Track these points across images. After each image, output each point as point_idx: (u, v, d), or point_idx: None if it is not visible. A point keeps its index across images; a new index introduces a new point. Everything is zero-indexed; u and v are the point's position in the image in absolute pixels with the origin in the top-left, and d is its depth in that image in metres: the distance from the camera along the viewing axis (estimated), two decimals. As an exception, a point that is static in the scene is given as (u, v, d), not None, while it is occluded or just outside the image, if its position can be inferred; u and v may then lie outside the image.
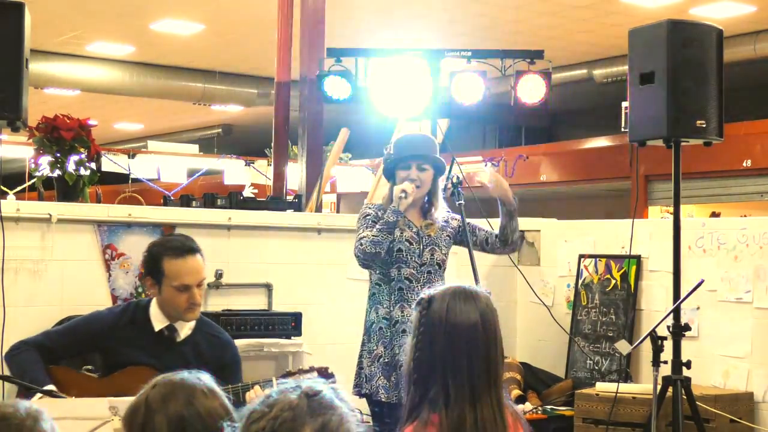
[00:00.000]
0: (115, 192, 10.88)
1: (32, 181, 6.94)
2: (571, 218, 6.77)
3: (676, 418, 4.48)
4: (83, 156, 5.30)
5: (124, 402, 3.11)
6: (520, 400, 5.79)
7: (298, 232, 5.77)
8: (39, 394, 3.62)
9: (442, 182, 4.60)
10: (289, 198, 6.37)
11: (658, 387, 4.50)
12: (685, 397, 4.54)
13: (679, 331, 4.61)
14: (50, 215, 4.94)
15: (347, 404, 1.87)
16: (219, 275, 5.43)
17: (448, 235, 4.55)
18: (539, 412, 5.73)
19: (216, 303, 5.43)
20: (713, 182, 12.03)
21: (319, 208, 6.39)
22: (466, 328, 2.49)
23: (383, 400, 4.35)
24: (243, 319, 5.23)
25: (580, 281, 6.19)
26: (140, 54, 14.26)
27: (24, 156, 7.21)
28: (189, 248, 3.89)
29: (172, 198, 6.07)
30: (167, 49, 13.90)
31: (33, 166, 5.34)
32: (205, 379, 2.24)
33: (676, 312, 4.64)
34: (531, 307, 6.32)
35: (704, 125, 4.64)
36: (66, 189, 5.30)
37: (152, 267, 3.91)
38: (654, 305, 5.79)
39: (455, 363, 2.47)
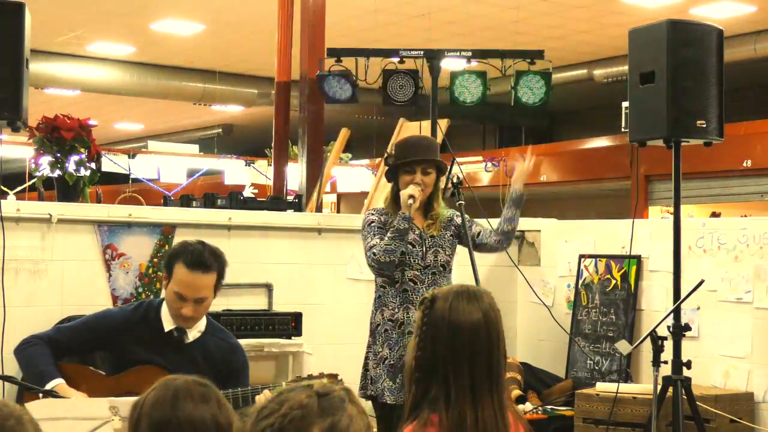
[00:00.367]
0: (116, 192, 10.88)
1: (32, 181, 6.94)
2: (572, 218, 6.77)
3: (677, 419, 4.48)
4: (83, 156, 5.30)
5: (125, 402, 3.11)
6: (521, 400, 5.78)
7: (298, 232, 5.77)
8: (43, 393, 3.62)
9: (442, 182, 4.60)
10: (290, 198, 6.37)
11: (659, 387, 4.50)
12: (685, 397, 4.54)
13: (679, 331, 4.60)
14: (50, 215, 4.94)
15: (359, 406, 1.87)
16: (219, 275, 5.42)
17: (452, 235, 4.54)
18: (539, 412, 5.73)
19: (216, 303, 5.38)
20: (713, 182, 12.03)
21: (319, 208, 6.40)
22: (469, 327, 2.49)
23: (388, 402, 4.34)
24: (243, 319, 5.23)
25: (580, 281, 6.19)
26: (140, 54, 14.27)
27: (24, 156, 7.21)
28: (203, 264, 3.84)
29: (172, 198, 6.07)
30: (167, 49, 13.90)
31: (33, 166, 5.35)
32: (203, 385, 2.23)
33: (677, 312, 4.63)
34: (531, 307, 6.32)
35: (704, 125, 4.64)
36: (66, 189, 5.30)
37: (168, 263, 3.93)
38: (654, 305, 5.79)
39: (457, 362, 2.47)
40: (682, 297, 4.65)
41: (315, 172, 6.77)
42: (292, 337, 5.36)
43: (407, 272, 4.42)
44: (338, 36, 8.61)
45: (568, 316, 6.19)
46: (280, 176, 7.16)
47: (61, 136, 5.25)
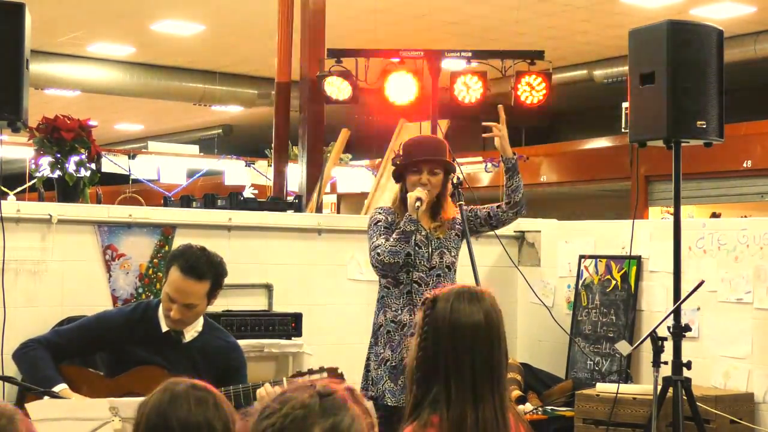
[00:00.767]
0: (116, 193, 10.87)
1: (33, 181, 6.93)
2: (572, 219, 6.77)
3: (677, 419, 4.48)
4: (83, 157, 5.30)
5: (125, 403, 3.12)
6: (521, 400, 5.78)
7: (298, 232, 5.77)
8: (43, 394, 3.62)
9: (449, 184, 4.57)
10: (290, 198, 6.37)
11: (659, 388, 4.50)
12: (685, 397, 4.54)
13: (679, 331, 4.60)
14: (50, 216, 4.94)
15: (362, 405, 1.87)
16: (219, 276, 5.42)
17: (456, 234, 4.54)
18: (539, 412, 5.73)
19: (216, 303, 5.37)
20: (713, 183, 12.03)
21: (319, 209, 6.40)
22: (470, 328, 2.49)
23: (390, 404, 4.34)
24: (243, 320, 5.23)
25: (580, 282, 6.19)
26: (141, 55, 14.26)
27: (24, 156, 7.21)
28: (196, 272, 3.83)
29: (172, 199, 6.07)
30: (168, 49, 13.90)
31: (33, 166, 5.34)
32: (201, 389, 2.23)
33: (677, 313, 4.63)
34: (531, 308, 6.32)
35: (704, 126, 4.64)
36: (66, 189, 5.30)
37: (166, 264, 3.96)
38: (654, 306, 5.79)
39: (458, 363, 2.47)
40: (683, 297, 4.65)
41: (315, 173, 6.77)
42: (292, 338, 5.36)
43: (412, 273, 4.41)
44: (338, 36, 8.60)
45: (568, 316, 6.19)
46: (280, 177, 7.15)
47: (61, 136, 5.25)
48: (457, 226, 4.55)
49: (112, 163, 10.63)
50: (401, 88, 5.96)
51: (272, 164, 7.53)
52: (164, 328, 3.94)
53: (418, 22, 11.97)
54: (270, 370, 5.45)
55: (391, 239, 4.32)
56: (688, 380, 4.58)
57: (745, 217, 7.35)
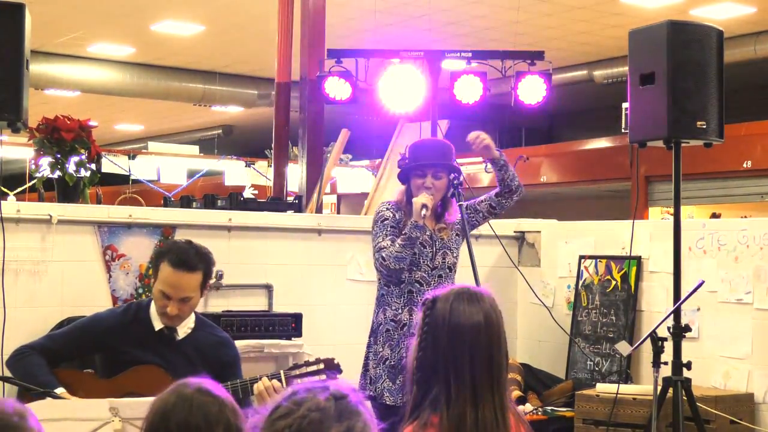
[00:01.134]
0: (116, 193, 10.89)
1: (33, 182, 6.94)
2: (572, 219, 6.77)
3: (677, 419, 4.48)
4: (83, 157, 5.30)
5: (125, 403, 3.12)
6: (521, 401, 5.78)
7: (298, 233, 5.77)
8: (43, 394, 3.62)
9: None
10: (290, 199, 6.37)
11: (659, 388, 4.50)
12: (685, 398, 4.54)
13: (679, 332, 4.60)
14: (50, 216, 4.94)
15: (369, 410, 1.88)
16: (219, 276, 5.43)
17: (457, 234, 4.55)
18: (540, 413, 5.73)
19: (216, 304, 5.43)
20: (713, 183, 12.03)
21: (319, 209, 6.39)
22: (469, 328, 2.49)
23: (388, 403, 4.34)
24: (243, 320, 5.23)
25: (580, 282, 6.19)
26: (141, 55, 14.27)
27: (24, 157, 7.22)
28: (188, 264, 3.85)
29: (172, 199, 6.07)
30: (167, 50, 13.91)
31: (33, 167, 5.34)
32: (206, 393, 2.23)
33: (677, 313, 4.64)
34: (531, 308, 6.32)
35: (704, 126, 4.64)
36: (66, 190, 5.30)
37: (154, 262, 3.98)
38: (654, 306, 5.79)
39: (457, 363, 2.47)
40: (682, 298, 4.65)
41: (315, 173, 6.76)
42: (292, 338, 5.36)
43: (415, 273, 4.42)
44: (338, 37, 8.61)
45: (568, 317, 6.19)
46: (280, 177, 7.15)
47: (61, 137, 5.25)
48: (456, 226, 4.55)
49: (112, 164, 10.65)
50: (399, 88, 5.95)
51: (272, 164, 7.52)
52: (157, 327, 3.94)
53: (418, 22, 11.98)
54: (270, 370, 5.42)
55: (397, 245, 4.32)
56: (688, 380, 4.58)
57: (745, 217, 7.34)
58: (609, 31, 12.34)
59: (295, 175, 7.09)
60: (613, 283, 6.00)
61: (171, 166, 11.72)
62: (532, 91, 5.94)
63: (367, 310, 4.59)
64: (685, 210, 10.19)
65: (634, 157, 11.08)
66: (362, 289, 5.66)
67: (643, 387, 5.33)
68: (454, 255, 4.53)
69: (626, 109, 4.97)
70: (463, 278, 4.82)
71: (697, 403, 4.62)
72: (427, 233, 4.45)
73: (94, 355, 4.15)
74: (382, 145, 7.20)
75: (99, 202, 6.11)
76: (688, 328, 4.64)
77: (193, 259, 3.88)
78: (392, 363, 4.37)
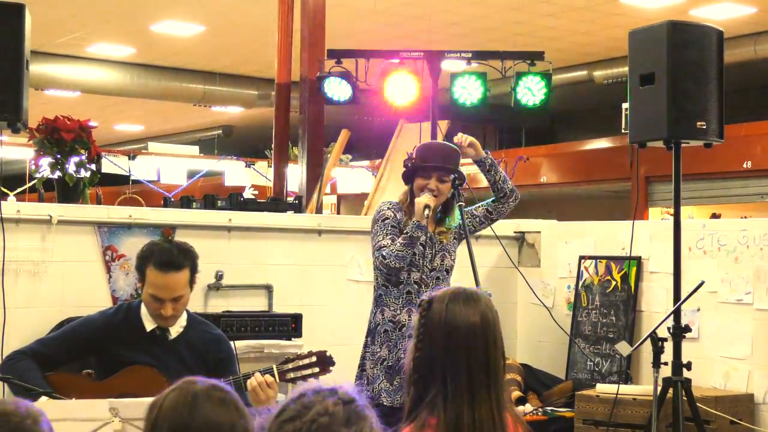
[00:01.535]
0: (116, 193, 10.87)
1: (33, 182, 6.94)
2: (572, 219, 6.77)
3: (677, 420, 4.48)
4: (83, 157, 5.30)
5: (125, 403, 3.12)
6: (521, 401, 5.78)
7: (298, 233, 5.77)
8: (43, 397, 3.60)
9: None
10: (290, 199, 6.37)
11: (659, 388, 4.50)
12: (685, 398, 4.54)
13: (679, 332, 4.60)
14: (50, 216, 4.94)
15: (374, 414, 1.90)
16: (219, 276, 5.43)
17: (455, 238, 4.55)
18: (540, 413, 5.73)
19: (216, 304, 5.43)
20: (713, 183, 12.02)
21: (319, 210, 6.40)
22: (465, 329, 2.50)
23: (385, 403, 4.33)
24: (243, 321, 5.23)
25: (580, 283, 6.19)
26: (141, 55, 14.27)
27: (24, 157, 7.21)
28: (173, 264, 3.84)
29: (172, 199, 6.07)
30: (168, 50, 13.91)
31: (33, 167, 5.35)
32: (221, 390, 2.22)
33: (677, 313, 4.64)
34: (531, 309, 6.32)
35: (704, 126, 4.64)
36: (66, 190, 5.30)
37: (139, 267, 3.94)
38: (654, 306, 5.79)
39: (454, 364, 2.48)
40: (683, 298, 4.65)
41: (315, 174, 6.76)
42: (292, 339, 5.36)
43: (413, 274, 4.42)
44: (338, 37, 8.60)
45: (568, 317, 6.19)
46: (280, 177, 7.15)
47: (61, 137, 5.25)
48: (455, 229, 4.56)
49: (112, 164, 10.65)
50: (401, 88, 5.96)
51: (272, 165, 7.53)
52: (149, 327, 3.93)
53: (418, 22, 11.98)
54: (270, 370, 5.45)
55: (398, 243, 4.32)
56: (688, 381, 4.58)
57: (745, 217, 7.34)
58: (609, 31, 12.34)
59: (295, 176, 7.09)
60: (613, 283, 6.00)
61: (171, 166, 11.72)
62: (532, 91, 5.94)
63: (367, 311, 4.59)
64: (685, 210, 10.18)
65: (634, 158, 11.09)
66: (362, 290, 5.66)
67: (643, 387, 5.33)
68: (452, 257, 4.54)
69: (626, 109, 4.97)
70: (463, 279, 4.82)
71: (697, 404, 4.62)
72: (428, 235, 4.45)
73: (88, 358, 4.13)
74: (382, 146, 7.20)
75: (99, 202, 6.11)
76: (688, 329, 4.64)
77: (177, 258, 3.87)
78: (389, 364, 4.37)
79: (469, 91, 5.91)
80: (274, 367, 3.76)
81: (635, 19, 10.39)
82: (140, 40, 13.41)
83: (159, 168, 11.44)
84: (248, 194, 6.50)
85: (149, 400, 2.24)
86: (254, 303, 5.58)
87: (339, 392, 1.85)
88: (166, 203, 5.88)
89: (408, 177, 4.51)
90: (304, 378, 3.75)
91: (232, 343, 4.16)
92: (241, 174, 11.62)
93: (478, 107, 5.94)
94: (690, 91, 4.62)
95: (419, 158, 4.48)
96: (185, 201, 5.77)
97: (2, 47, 4.13)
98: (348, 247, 5.88)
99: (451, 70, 6.08)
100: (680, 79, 4.61)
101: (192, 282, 3.94)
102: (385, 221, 4.45)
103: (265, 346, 5.23)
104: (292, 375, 3.76)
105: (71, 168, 5.26)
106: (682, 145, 4.77)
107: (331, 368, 3.79)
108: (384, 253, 4.32)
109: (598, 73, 13.93)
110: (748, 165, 11.60)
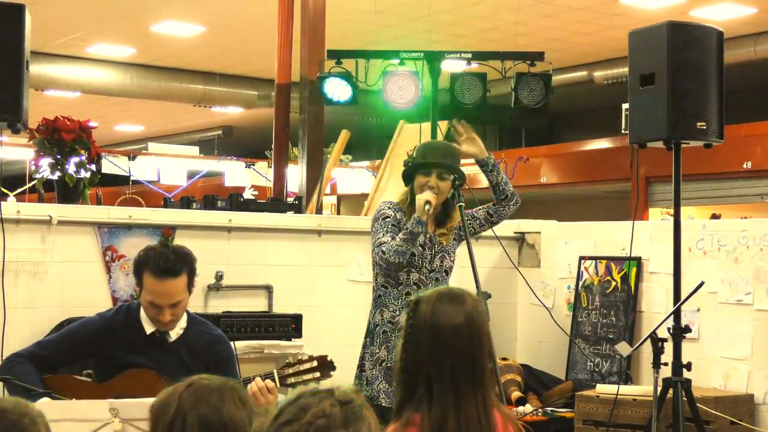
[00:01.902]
0: (116, 194, 10.88)
1: (33, 182, 6.94)
2: (572, 220, 6.77)
3: (677, 420, 4.48)
4: (83, 158, 5.30)
5: (125, 403, 3.11)
6: (521, 401, 5.78)
7: (298, 233, 5.78)
8: (45, 398, 3.59)
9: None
10: (290, 200, 6.37)
11: (659, 389, 4.50)
12: (685, 398, 4.54)
13: (679, 332, 4.60)
14: (50, 217, 4.94)
15: (373, 414, 1.90)
16: (219, 277, 5.43)
17: (455, 239, 4.55)
18: (539, 413, 5.73)
19: (216, 305, 5.43)
20: (713, 184, 12.02)
21: (319, 210, 6.40)
22: (451, 329, 2.53)
23: (384, 404, 4.33)
24: (243, 321, 5.23)
25: (580, 283, 6.19)
26: (141, 56, 14.27)
27: (24, 158, 7.22)
28: (169, 270, 3.77)
29: (172, 200, 6.07)
30: (168, 50, 13.91)
31: (33, 167, 5.35)
32: (236, 388, 2.22)
33: (677, 314, 4.64)
34: (531, 309, 6.32)
35: (704, 127, 4.64)
36: (66, 191, 5.30)
37: (136, 272, 3.90)
38: (654, 307, 5.79)
39: (439, 364, 2.51)
40: (683, 299, 4.65)
41: (315, 174, 6.77)
42: (292, 339, 5.36)
43: (413, 275, 4.42)
44: (338, 38, 8.61)
45: (568, 317, 6.19)
46: (280, 178, 7.16)
47: (61, 137, 5.25)
48: (455, 230, 4.55)
49: (112, 165, 10.65)
50: (401, 88, 5.96)
51: (272, 165, 7.53)
52: (148, 330, 3.90)
53: (418, 23, 11.98)
54: (269, 371, 5.45)
55: (398, 239, 4.32)
56: (688, 381, 4.58)
57: (745, 218, 7.34)
58: (609, 31, 12.34)
59: (295, 176, 7.10)
60: (613, 283, 6.00)
61: (171, 166, 11.71)
62: (532, 91, 5.94)
63: (367, 311, 4.59)
64: (685, 211, 10.18)
65: (634, 158, 11.07)
66: (362, 290, 5.65)
67: (643, 388, 5.33)
68: (452, 259, 4.54)
69: (626, 109, 4.97)
70: (463, 279, 4.82)
71: (697, 404, 4.62)
72: (427, 236, 4.45)
73: (87, 360, 4.12)
74: (382, 146, 7.20)
75: (99, 202, 6.11)
76: (688, 329, 4.64)
77: (174, 264, 3.80)
78: (388, 365, 4.36)
79: (469, 92, 5.91)
80: (275, 371, 3.75)
81: (635, 20, 10.39)
82: (140, 40, 13.41)
83: (159, 168, 11.44)
84: (248, 195, 6.50)
85: (150, 400, 2.23)
86: (254, 303, 5.58)
87: (336, 393, 1.85)
88: (166, 204, 5.89)
89: (408, 176, 4.51)
90: (305, 383, 3.74)
91: (232, 343, 4.15)
92: (241, 174, 11.62)
93: (478, 107, 5.94)
94: (690, 92, 4.62)
95: (419, 156, 4.48)
96: (185, 201, 5.77)
97: (2, 47, 4.13)
98: (348, 247, 5.88)
99: (451, 70, 6.08)
100: (680, 79, 4.61)
101: (190, 286, 3.89)
102: (386, 219, 4.45)
103: (265, 347, 5.23)
104: (293, 380, 3.75)
105: (71, 168, 5.26)
106: (682, 145, 4.77)
107: (332, 373, 3.79)
108: (384, 249, 4.32)
109: (598, 74, 13.93)
110: (748, 165, 11.59)
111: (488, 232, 4.80)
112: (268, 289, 5.63)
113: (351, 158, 11.45)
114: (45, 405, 3.43)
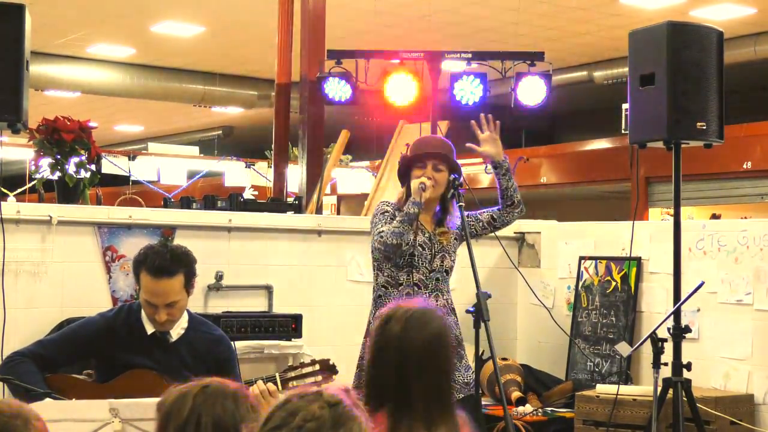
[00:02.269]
0: (116, 194, 10.88)
1: (33, 183, 6.94)
2: (572, 220, 6.77)
3: (677, 420, 4.48)
4: (83, 158, 5.31)
5: (125, 404, 3.11)
6: (521, 401, 5.78)
7: (298, 233, 5.78)
8: (47, 399, 3.59)
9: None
10: (290, 200, 6.37)
11: (659, 389, 4.50)
12: (685, 399, 4.54)
13: (679, 333, 4.60)
14: (50, 217, 4.94)
15: (364, 412, 1.88)
16: (219, 277, 5.43)
17: (455, 238, 4.54)
18: (539, 413, 5.73)
19: (216, 305, 5.43)
20: (713, 184, 12.03)
21: (319, 210, 6.40)
22: (418, 349, 2.56)
23: (383, 404, 4.33)
24: (243, 321, 5.23)
25: (580, 283, 6.19)
26: (141, 56, 14.27)
27: (24, 158, 7.22)
28: (165, 270, 3.77)
29: (172, 200, 6.07)
30: (168, 51, 13.91)
31: (33, 167, 5.35)
32: (248, 395, 2.22)
33: (677, 314, 4.64)
34: (531, 309, 6.32)
35: (704, 127, 4.64)
36: (66, 191, 5.31)
37: (134, 271, 3.90)
38: (654, 307, 5.79)
39: (405, 382, 2.53)
40: (683, 299, 4.65)
41: (315, 174, 6.76)
42: (292, 339, 5.36)
43: (413, 275, 4.41)
44: (338, 38, 8.61)
45: (568, 317, 6.19)
46: (280, 178, 7.15)
47: (61, 138, 5.25)
48: (456, 230, 4.55)
49: (112, 165, 10.65)
50: (401, 89, 5.96)
51: (272, 165, 7.53)
52: (149, 330, 3.89)
53: (418, 23, 11.98)
54: (270, 371, 5.44)
55: (396, 221, 4.32)
56: (688, 381, 4.58)
57: (745, 218, 7.34)
58: (609, 32, 12.34)
59: (295, 176, 7.09)
60: (613, 284, 6.00)
61: (171, 167, 11.72)
62: (532, 92, 5.95)
63: (368, 311, 4.58)
64: (685, 211, 10.18)
65: (634, 158, 11.07)
66: (362, 290, 5.65)
67: (643, 388, 5.33)
68: (452, 258, 4.53)
69: (626, 109, 4.97)
70: (463, 279, 4.82)
71: (697, 404, 4.62)
72: (426, 235, 4.44)
73: (88, 360, 4.11)
74: (382, 146, 7.20)
75: (99, 203, 6.11)
76: (688, 329, 4.64)
77: (170, 264, 3.79)
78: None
79: (469, 92, 5.91)
80: (277, 375, 3.75)
81: (635, 20, 10.40)
82: (140, 40, 13.41)
83: (159, 168, 11.44)
84: (248, 195, 6.50)
85: (150, 400, 2.24)
86: (254, 303, 5.58)
87: (324, 395, 1.84)
88: (166, 204, 5.89)
89: (404, 173, 4.50)
90: None
91: (232, 343, 4.15)
92: (241, 174, 11.62)
93: (478, 107, 5.94)
94: (690, 92, 4.62)
95: (414, 150, 4.48)
96: (185, 201, 5.77)
97: (2, 47, 4.13)
98: (348, 247, 5.88)
99: (451, 70, 6.08)
100: (680, 79, 4.61)
101: (189, 286, 3.87)
102: (385, 213, 4.46)
103: (265, 347, 5.24)
104: (295, 383, 3.74)
105: (71, 168, 5.26)
106: (682, 145, 4.77)
107: (334, 376, 3.78)
108: (382, 233, 4.32)
109: (598, 74, 13.93)
110: (748, 165, 11.60)
111: (486, 208, 4.78)
112: (268, 289, 5.64)
113: (351, 158, 11.44)
114: (45, 405, 3.43)
